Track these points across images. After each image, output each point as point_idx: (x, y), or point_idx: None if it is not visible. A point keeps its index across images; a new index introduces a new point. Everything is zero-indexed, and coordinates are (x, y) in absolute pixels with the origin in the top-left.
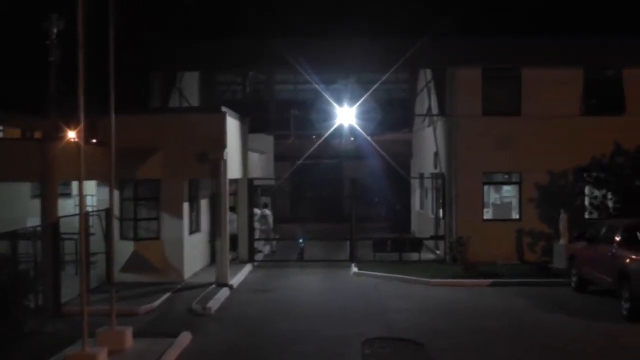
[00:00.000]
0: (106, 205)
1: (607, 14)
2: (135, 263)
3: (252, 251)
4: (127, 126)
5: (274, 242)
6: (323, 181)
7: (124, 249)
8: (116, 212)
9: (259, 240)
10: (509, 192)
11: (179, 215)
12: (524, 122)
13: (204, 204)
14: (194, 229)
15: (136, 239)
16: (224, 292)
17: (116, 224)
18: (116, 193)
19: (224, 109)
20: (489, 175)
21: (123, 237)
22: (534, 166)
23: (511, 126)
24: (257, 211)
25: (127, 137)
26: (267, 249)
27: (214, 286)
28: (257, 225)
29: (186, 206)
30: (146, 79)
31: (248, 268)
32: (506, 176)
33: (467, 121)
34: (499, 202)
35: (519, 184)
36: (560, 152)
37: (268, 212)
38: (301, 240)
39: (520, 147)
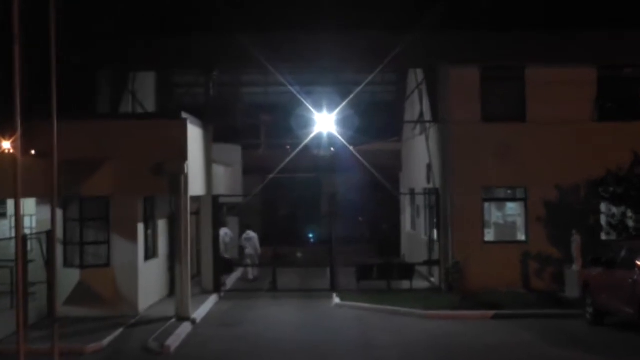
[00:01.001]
0: (47, 227)
1: (624, 4)
2: (82, 294)
3: (218, 279)
4: (72, 134)
5: (256, 268)
6: (299, 198)
7: (68, 278)
8: (59, 234)
9: (246, 266)
10: (513, 209)
11: (133, 238)
12: (528, 128)
13: (162, 225)
14: (150, 253)
15: (82, 265)
16: (185, 327)
17: (59, 249)
18: (59, 212)
19: (184, 114)
20: (489, 190)
21: (67, 263)
22: (541, 180)
23: (514, 134)
24: (225, 231)
25: (71, 147)
26: (249, 274)
27: (173, 320)
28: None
29: (141, 227)
30: (93, 79)
31: (213, 299)
32: (509, 191)
33: (464, 128)
34: (501, 222)
35: (524, 200)
36: (570, 163)
37: (252, 233)
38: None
39: (525, 157)
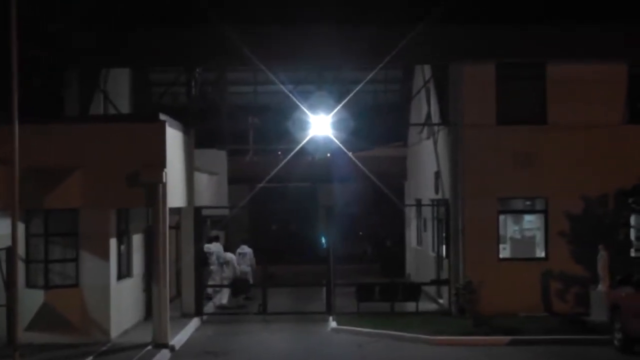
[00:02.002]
0: (7, 243)
1: None
2: (46, 318)
3: (200, 300)
4: (35, 140)
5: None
6: (291, 210)
7: (31, 300)
8: (20, 251)
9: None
10: (532, 222)
11: (104, 255)
12: (550, 132)
13: (137, 240)
14: (124, 272)
15: (47, 286)
16: (163, 355)
17: (20, 267)
18: (20, 226)
19: (162, 116)
20: (505, 201)
21: (30, 284)
22: (563, 189)
23: (534, 138)
24: (211, 247)
25: (35, 153)
26: (223, 298)
27: (149, 347)
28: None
29: (113, 243)
30: (60, 79)
31: (194, 323)
32: (528, 202)
33: (477, 132)
34: (518, 236)
35: (545, 212)
36: (597, 170)
37: (247, 248)
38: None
39: (546, 165)
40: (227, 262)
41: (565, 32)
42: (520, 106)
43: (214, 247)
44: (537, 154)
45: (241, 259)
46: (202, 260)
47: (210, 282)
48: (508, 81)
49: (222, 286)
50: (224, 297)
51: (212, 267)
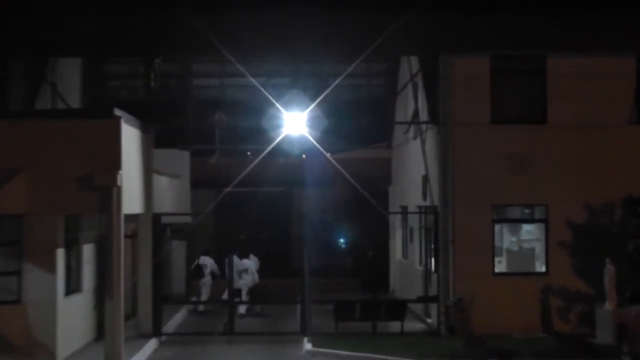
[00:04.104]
0: None
1: None
2: None
3: (159, 318)
4: None
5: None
6: (262, 217)
7: None
8: None
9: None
10: (530, 233)
11: (51, 268)
12: (550, 132)
13: (88, 251)
14: (73, 287)
15: None
16: None
17: None
18: None
19: (117, 112)
20: (501, 209)
21: None
22: (565, 196)
23: (532, 139)
24: (206, 259)
25: None
26: (241, 308)
27: None
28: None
29: (61, 254)
30: (3, 69)
31: (152, 344)
32: (526, 210)
33: (470, 131)
34: (515, 248)
35: (545, 221)
36: (603, 175)
37: (249, 261)
38: (342, 240)
39: (546, 168)
40: (245, 270)
41: (567, 21)
42: (517, 103)
43: (209, 260)
44: (536, 157)
45: (244, 273)
46: (195, 272)
47: (204, 296)
48: (504, 76)
49: (197, 302)
50: (241, 306)
51: (204, 280)
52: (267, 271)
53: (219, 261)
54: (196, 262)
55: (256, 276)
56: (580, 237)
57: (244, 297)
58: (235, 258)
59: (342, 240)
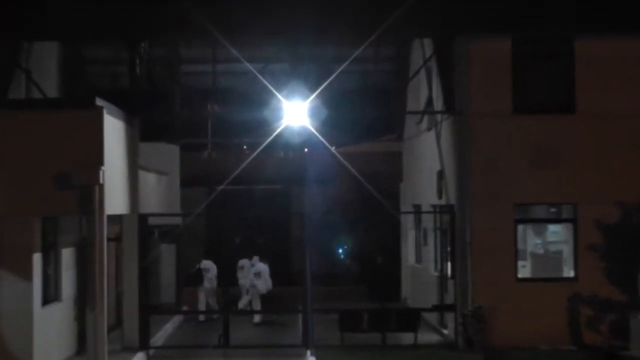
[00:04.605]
0: None
1: None
2: None
3: (146, 330)
4: None
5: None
6: (259, 218)
7: None
8: None
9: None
10: (557, 234)
11: (26, 275)
12: (579, 123)
13: (68, 256)
14: (51, 296)
15: None
16: None
17: None
18: None
19: (99, 102)
20: (524, 208)
21: None
22: (596, 193)
23: (559, 130)
24: (207, 263)
25: None
26: (256, 317)
27: None
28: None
29: (38, 259)
30: None
31: (139, 358)
32: (552, 209)
33: (489, 122)
34: (540, 251)
35: (573, 221)
36: (637, 170)
37: (263, 265)
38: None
39: (574, 163)
40: (258, 274)
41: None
42: (542, 91)
43: (211, 264)
44: (563, 150)
45: (257, 278)
46: (196, 278)
47: (201, 304)
48: (527, 60)
49: (189, 312)
50: (255, 315)
51: (205, 286)
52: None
53: (228, 264)
54: (197, 267)
55: (269, 281)
56: (612, 238)
57: (257, 304)
58: (247, 261)
59: (347, 244)
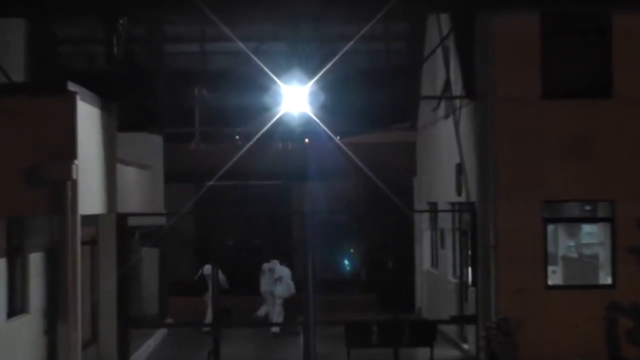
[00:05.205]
0: None
1: None
2: None
3: (125, 345)
4: None
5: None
6: (256, 219)
7: None
8: None
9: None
10: (593, 236)
11: None
12: (617, 109)
13: (36, 262)
14: (17, 307)
15: None
16: None
17: None
18: None
19: (72, 86)
20: (554, 206)
21: None
22: (636, 189)
23: (594, 117)
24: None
25: None
26: (275, 328)
27: None
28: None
29: (2, 265)
30: None
31: None
32: (587, 207)
33: (515, 108)
34: (573, 255)
35: (611, 220)
36: None
37: (284, 269)
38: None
39: (612, 154)
40: (279, 279)
41: None
42: (575, 73)
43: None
44: (599, 139)
45: (278, 283)
46: (200, 285)
47: (209, 314)
48: (558, 38)
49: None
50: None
51: (211, 294)
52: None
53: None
54: (200, 273)
55: (292, 285)
56: None
57: (279, 311)
58: (266, 264)
59: (354, 246)
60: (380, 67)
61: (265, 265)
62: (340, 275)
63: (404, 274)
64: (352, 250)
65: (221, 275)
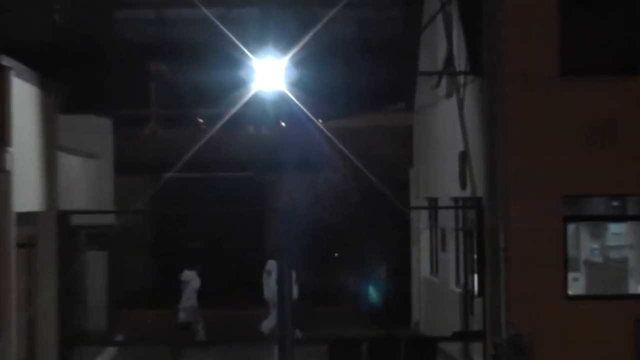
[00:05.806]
0: None
1: None
2: None
3: None
4: None
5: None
6: (224, 216)
7: None
8: None
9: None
10: (621, 236)
11: None
12: None
13: None
14: None
15: None
16: None
17: None
18: None
19: (5, 60)
20: (575, 202)
21: None
22: None
23: (621, 97)
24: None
25: None
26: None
27: None
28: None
29: None
30: None
31: None
32: (614, 203)
33: (529, 86)
34: (598, 259)
35: None
36: None
37: (194, 275)
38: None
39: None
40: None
41: None
42: (597, 46)
43: (192, 275)
44: (627, 124)
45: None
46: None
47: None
48: (578, 8)
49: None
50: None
51: (184, 304)
52: (231, 297)
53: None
54: (178, 279)
55: (295, 289)
56: None
57: (275, 316)
58: (266, 266)
59: (341, 249)
60: (371, 38)
61: (266, 267)
62: (324, 283)
63: (399, 282)
64: (338, 254)
65: (197, 284)
